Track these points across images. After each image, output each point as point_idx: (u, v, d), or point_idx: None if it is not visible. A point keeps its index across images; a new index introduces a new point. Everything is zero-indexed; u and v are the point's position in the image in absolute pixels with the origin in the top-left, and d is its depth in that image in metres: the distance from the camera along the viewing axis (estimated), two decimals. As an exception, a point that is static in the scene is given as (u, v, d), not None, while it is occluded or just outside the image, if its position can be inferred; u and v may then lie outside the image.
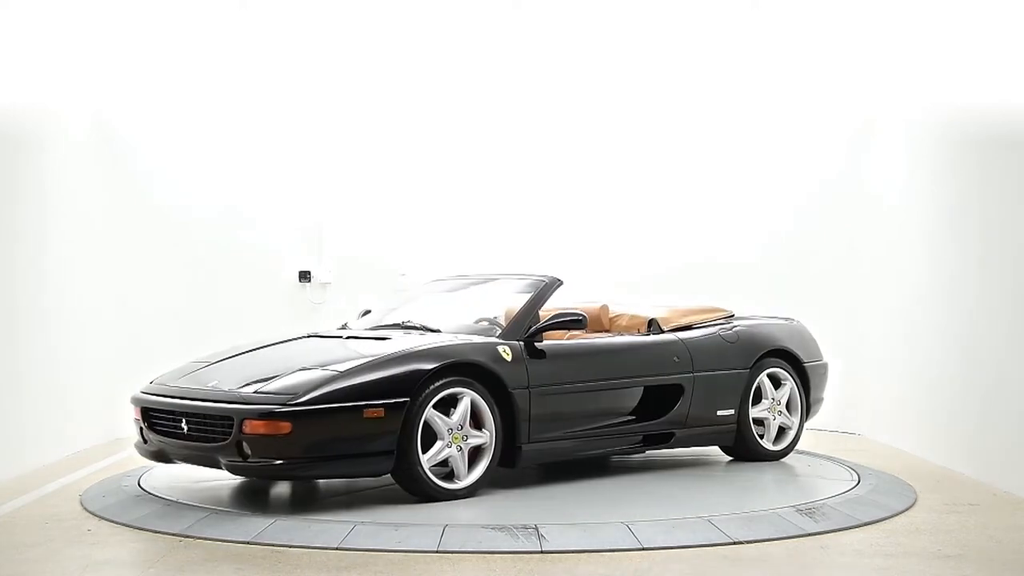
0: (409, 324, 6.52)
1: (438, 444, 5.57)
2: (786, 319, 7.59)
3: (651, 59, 9.73)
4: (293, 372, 5.49)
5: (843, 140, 9.29)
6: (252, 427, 5.15)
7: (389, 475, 5.53)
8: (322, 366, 5.50)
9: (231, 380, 5.62)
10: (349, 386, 5.32)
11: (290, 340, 6.48)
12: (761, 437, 7.02)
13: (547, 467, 6.74)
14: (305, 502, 5.82)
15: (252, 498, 5.85)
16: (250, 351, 6.33)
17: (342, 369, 5.42)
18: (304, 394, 5.23)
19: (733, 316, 7.33)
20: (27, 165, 7.36)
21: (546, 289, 6.49)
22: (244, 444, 5.20)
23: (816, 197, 9.42)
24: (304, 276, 9.58)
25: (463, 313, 6.63)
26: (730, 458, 7.13)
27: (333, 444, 5.28)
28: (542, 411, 5.98)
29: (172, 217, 9.22)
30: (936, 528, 5.17)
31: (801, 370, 7.21)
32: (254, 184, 9.55)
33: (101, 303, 8.63)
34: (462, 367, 5.67)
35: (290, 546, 4.76)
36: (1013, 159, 6.21)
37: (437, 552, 4.63)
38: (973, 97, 6.85)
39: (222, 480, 6.45)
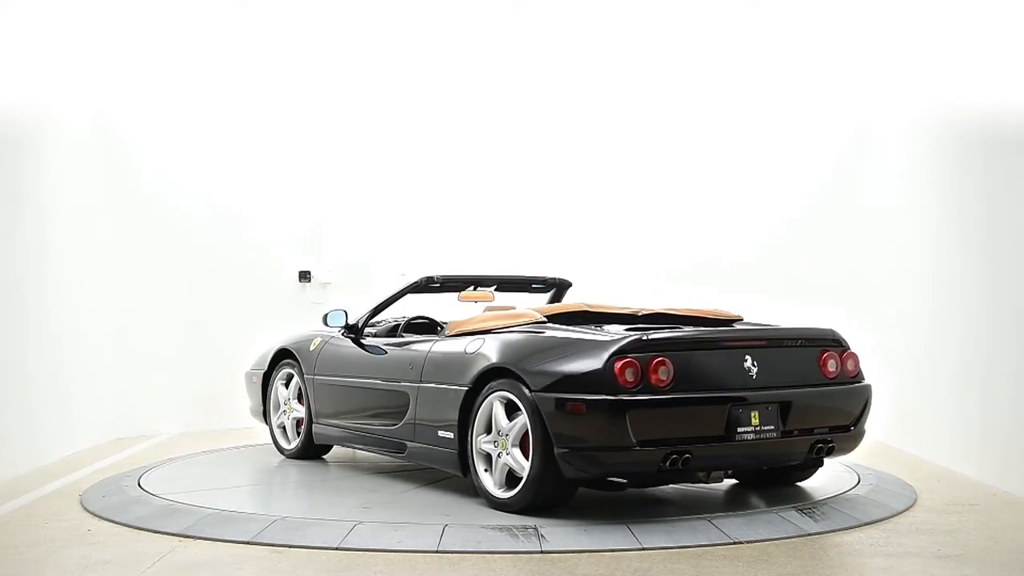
0: None
1: (279, 411, 7.37)
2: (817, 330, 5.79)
3: (652, 62, 9.74)
4: None
5: (843, 140, 9.26)
6: None
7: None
8: None
9: None
10: (257, 359, 7.73)
11: None
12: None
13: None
14: (305, 502, 5.82)
15: (252, 498, 5.84)
16: None
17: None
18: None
19: (741, 320, 6.27)
20: (27, 166, 7.36)
21: (409, 288, 6.80)
22: None
23: (817, 197, 9.40)
24: (304, 276, 9.59)
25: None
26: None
27: (248, 395, 7.86)
28: (318, 397, 6.95)
29: (172, 217, 9.22)
30: (936, 528, 5.16)
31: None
32: (254, 185, 9.55)
33: (102, 303, 8.62)
34: (290, 353, 7.27)
35: (290, 546, 4.76)
36: (1016, 159, 6.21)
37: (437, 552, 4.63)
38: (973, 97, 6.85)
39: (222, 480, 6.45)
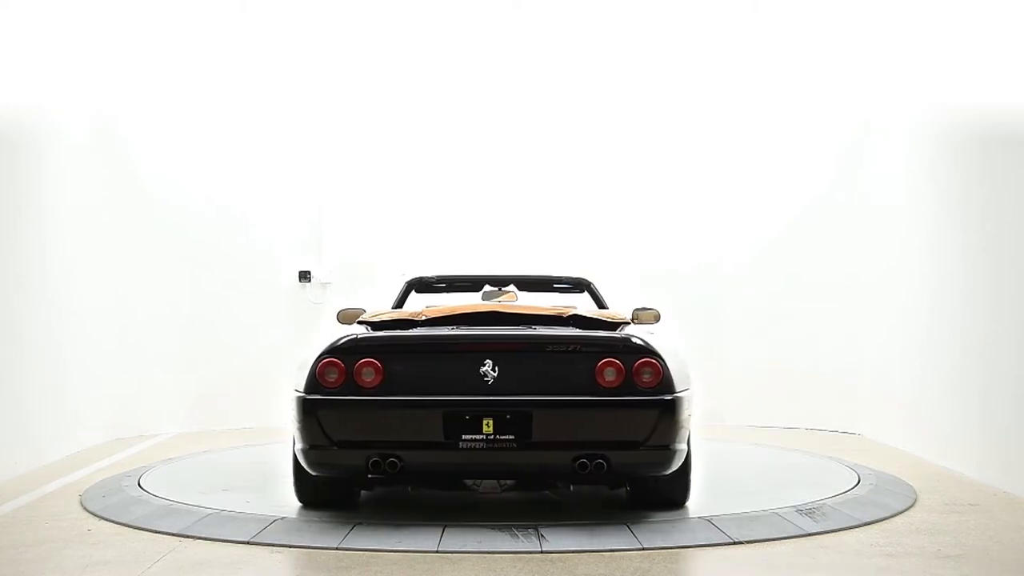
0: None
1: None
2: None
3: (653, 65, 9.75)
4: None
5: (848, 141, 9.24)
6: None
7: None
8: None
9: None
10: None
11: None
12: None
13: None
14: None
15: (252, 498, 5.84)
16: None
17: None
18: None
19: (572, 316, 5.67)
20: (27, 166, 7.36)
21: (407, 288, 7.04)
22: None
23: (817, 198, 9.41)
24: (304, 276, 9.59)
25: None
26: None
27: None
28: None
29: (172, 217, 9.21)
30: (936, 528, 5.17)
31: None
32: (254, 185, 9.54)
33: (102, 303, 8.61)
34: None
35: (291, 546, 4.76)
36: (1016, 158, 6.21)
37: (437, 552, 4.63)
38: (974, 97, 6.85)
39: (222, 480, 6.45)
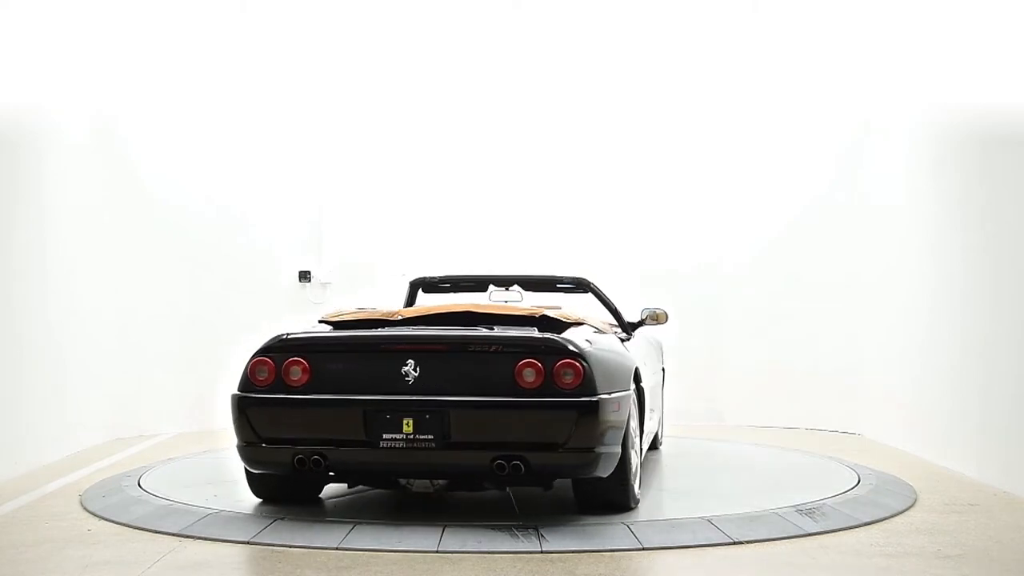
0: None
1: None
2: None
3: (652, 66, 9.75)
4: None
5: (848, 141, 9.26)
6: None
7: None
8: None
9: None
10: None
11: None
12: None
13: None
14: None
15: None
16: None
17: None
18: None
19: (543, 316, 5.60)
20: (27, 166, 7.36)
21: (411, 288, 7.18)
22: None
23: (817, 198, 9.42)
24: (304, 276, 9.59)
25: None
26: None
27: None
28: None
29: (172, 217, 9.21)
30: (936, 528, 5.17)
31: None
32: (254, 185, 9.54)
33: (102, 303, 8.61)
34: None
35: (290, 546, 4.76)
36: (1016, 158, 6.20)
37: (437, 552, 4.63)
38: (973, 97, 6.85)
39: (222, 480, 6.45)
